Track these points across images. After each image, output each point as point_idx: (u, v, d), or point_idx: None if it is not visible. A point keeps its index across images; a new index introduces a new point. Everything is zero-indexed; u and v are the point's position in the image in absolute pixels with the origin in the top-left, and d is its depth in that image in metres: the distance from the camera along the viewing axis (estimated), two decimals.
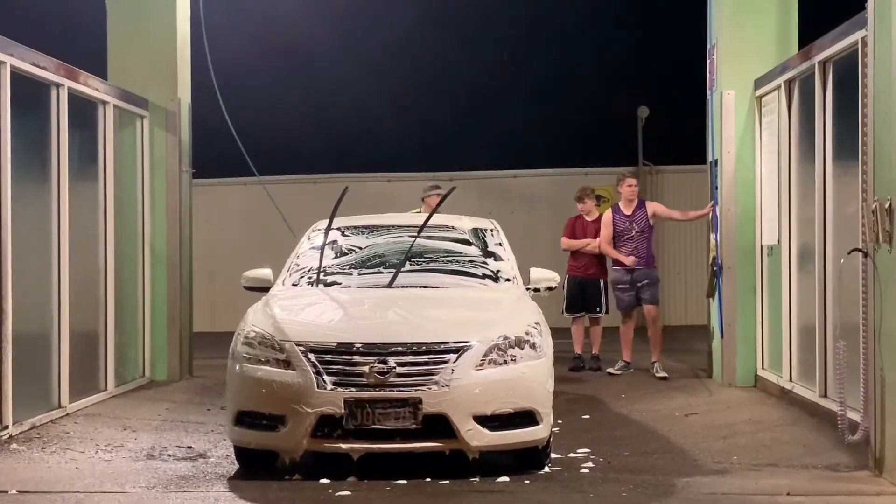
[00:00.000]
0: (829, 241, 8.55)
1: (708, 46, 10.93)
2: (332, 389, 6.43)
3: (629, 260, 11.10)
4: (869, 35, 6.73)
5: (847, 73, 8.01)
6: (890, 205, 6.31)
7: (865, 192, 6.74)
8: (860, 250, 6.89)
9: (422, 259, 7.98)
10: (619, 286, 11.34)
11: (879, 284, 6.48)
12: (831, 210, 8.53)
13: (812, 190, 8.88)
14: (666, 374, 10.99)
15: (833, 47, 8.31)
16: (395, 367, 6.45)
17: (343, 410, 6.40)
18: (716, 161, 10.69)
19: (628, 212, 11.34)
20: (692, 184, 15.47)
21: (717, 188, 10.66)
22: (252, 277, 7.94)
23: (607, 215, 11.52)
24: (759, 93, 10.35)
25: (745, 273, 10.45)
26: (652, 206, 11.46)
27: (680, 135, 17.50)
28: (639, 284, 11.21)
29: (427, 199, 11.39)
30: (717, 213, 10.63)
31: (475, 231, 8.40)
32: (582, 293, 11.93)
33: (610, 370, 11.37)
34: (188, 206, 11.72)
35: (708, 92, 11.02)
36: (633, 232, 11.22)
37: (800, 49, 9.81)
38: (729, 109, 10.48)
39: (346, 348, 6.54)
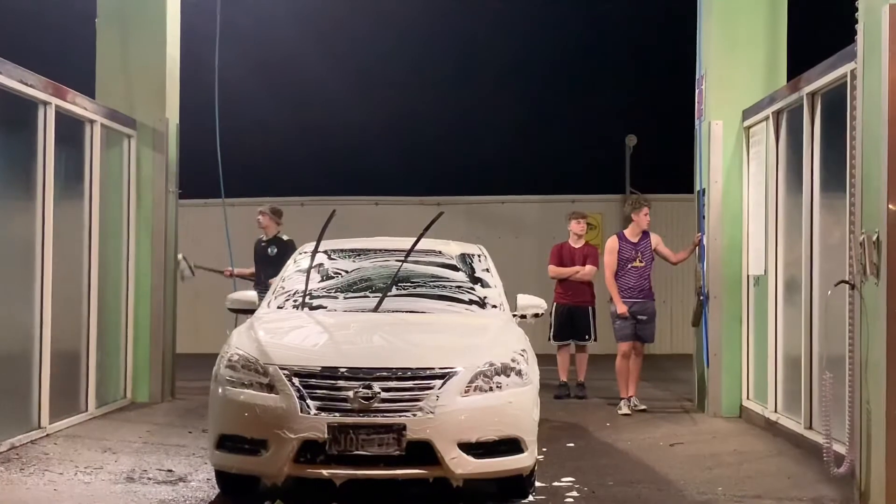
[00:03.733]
0: (816, 272, 8.55)
1: (697, 76, 10.97)
2: (315, 414, 6.36)
3: (622, 309, 10.68)
4: (858, 68, 6.75)
5: (835, 106, 8.04)
6: (877, 237, 6.31)
7: (853, 224, 6.75)
8: (847, 282, 6.89)
9: (408, 284, 7.94)
10: (620, 315, 10.82)
11: (866, 317, 6.48)
12: (818, 241, 8.54)
13: (799, 221, 8.89)
14: (644, 407, 10.87)
15: (822, 79, 8.34)
16: (379, 393, 6.39)
17: (326, 436, 6.33)
18: (703, 190, 10.70)
19: (634, 240, 10.95)
20: (679, 213, 15.50)
21: (703, 217, 10.66)
22: (237, 300, 7.90)
23: (612, 242, 11.02)
24: (746, 123, 10.38)
25: (732, 303, 10.44)
26: (655, 239, 11.05)
27: (667, 164, 17.53)
28: (639, 317, 10.81)
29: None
30: (704, 243, 10.63)
31: (463, 256, 8.37)
32: (571, 321, 11.85)
33: (620, 412, 10.66)
34: (174, 227, 11.67)
35: (696, 121, 11.05)
36: (638, 261, 10.85)
37: (788, 81, 9.86)
38: (717, 139, 10.50)
39: (330, 373, 6.48)
